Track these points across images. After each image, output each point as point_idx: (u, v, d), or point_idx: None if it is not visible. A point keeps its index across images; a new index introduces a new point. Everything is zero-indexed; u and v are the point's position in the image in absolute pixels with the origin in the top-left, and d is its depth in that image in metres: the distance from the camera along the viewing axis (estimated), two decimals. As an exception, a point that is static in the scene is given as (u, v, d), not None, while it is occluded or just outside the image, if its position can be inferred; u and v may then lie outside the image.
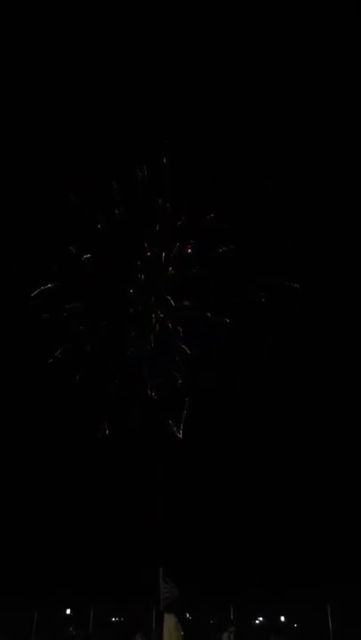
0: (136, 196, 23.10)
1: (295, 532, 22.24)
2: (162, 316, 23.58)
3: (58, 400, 22.91)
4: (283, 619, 22.34)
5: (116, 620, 22.11)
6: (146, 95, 22.71)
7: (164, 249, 23.41)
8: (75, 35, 22.22)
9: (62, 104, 23.11)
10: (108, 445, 22.98)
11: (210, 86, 22.62)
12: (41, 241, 23.07)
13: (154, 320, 23.57)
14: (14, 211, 23.00)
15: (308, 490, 22.56)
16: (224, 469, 23.17)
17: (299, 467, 22.97)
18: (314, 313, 23.48)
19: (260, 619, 22.48)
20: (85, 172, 22.46)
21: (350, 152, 22.79)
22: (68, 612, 21.51)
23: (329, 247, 23.63)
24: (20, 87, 22.82)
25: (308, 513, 22.23)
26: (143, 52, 22.63)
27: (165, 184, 22.93)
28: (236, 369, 22.80)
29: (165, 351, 23.49)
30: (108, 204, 22.97)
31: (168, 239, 23.40)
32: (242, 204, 22.86)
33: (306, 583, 20.64)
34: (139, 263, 23.39)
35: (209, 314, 23.12)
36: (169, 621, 8.62)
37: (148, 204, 23.26)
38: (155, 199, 23.16)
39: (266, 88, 22.92)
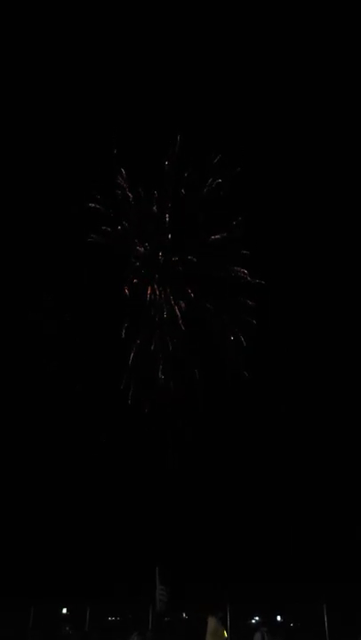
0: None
1: (291, 531, 22.31)
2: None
3: (58, 408, 22.98)
4: (279, 618, 22.40)
5: (112, 620, 22.16)
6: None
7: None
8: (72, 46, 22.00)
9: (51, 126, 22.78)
10: (105, 449, 23.02)
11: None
12: (40, 250, 22.92)
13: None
14: (13, 218, 22.82)
15: (304, 491, 22.63)
16: (221, 471, 23.23)
17: (295, 468, 23.05)
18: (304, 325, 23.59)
19: (256, 618, 22.52)
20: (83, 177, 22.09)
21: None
22: (65, 611, 21.53)
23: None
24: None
25: (303, 514, 22.30)
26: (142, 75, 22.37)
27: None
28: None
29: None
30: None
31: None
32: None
33: (302, 583, 20.70)
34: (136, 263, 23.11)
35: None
36: (212, 624, 8.86)
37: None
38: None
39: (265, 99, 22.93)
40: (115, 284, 22.67)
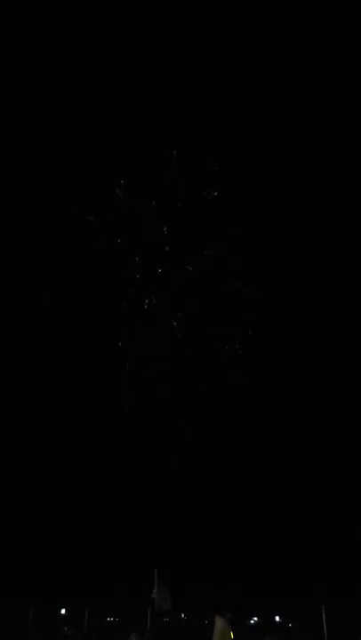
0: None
1: (289, 531, 22.32)
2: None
3: (57, 408, 23.07)
4: (278, 619, 22.41)
5: (111, 621, 22.16)
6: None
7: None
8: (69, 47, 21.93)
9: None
10: (105, 448, 23.05)
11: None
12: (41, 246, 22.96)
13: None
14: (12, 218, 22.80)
15: (304, 491, 22.65)
16: (221, 471, 23.25)
17: (294, 468, 23.07)
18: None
19: (255, 619, 22.55)
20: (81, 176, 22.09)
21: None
22: (63, 612, 21.52)
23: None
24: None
25: (302, 514, 22.31)
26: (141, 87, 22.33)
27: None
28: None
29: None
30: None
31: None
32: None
33: (300, 583, 20.72)
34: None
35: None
36: (219, 624, 8.84)
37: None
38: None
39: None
40: (112, 293, 22.98)
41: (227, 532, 22.59)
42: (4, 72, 21.84)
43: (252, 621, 22.53)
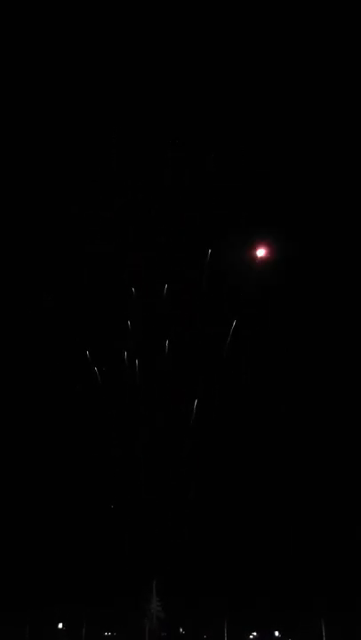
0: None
1: (289, 547, 22.09)
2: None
3: (57, 409, 23.06)
4: (277, 633, 22.18)
5: (108, 635, 21.96)
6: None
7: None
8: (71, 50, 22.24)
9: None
10: (104, 461, 22.96)
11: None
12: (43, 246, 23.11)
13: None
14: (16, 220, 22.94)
15: (303, 505, 22.46)
16: (219, 486, 23.11)
17: (293, 483, 22.86)
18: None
19: (254, 634, 22.33)
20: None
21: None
22: (60, 626, 21.33)
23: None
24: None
25: (301, 529, 22.11)
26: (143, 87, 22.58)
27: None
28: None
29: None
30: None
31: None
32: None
33: (300, 598, 20.51)
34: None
35: None
36: None
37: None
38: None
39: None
40: (112, 293, 23.15)
41: (226, 545, 22.39)
42: (4, 73, 22.07)
43: (251, 636, 22.28)
